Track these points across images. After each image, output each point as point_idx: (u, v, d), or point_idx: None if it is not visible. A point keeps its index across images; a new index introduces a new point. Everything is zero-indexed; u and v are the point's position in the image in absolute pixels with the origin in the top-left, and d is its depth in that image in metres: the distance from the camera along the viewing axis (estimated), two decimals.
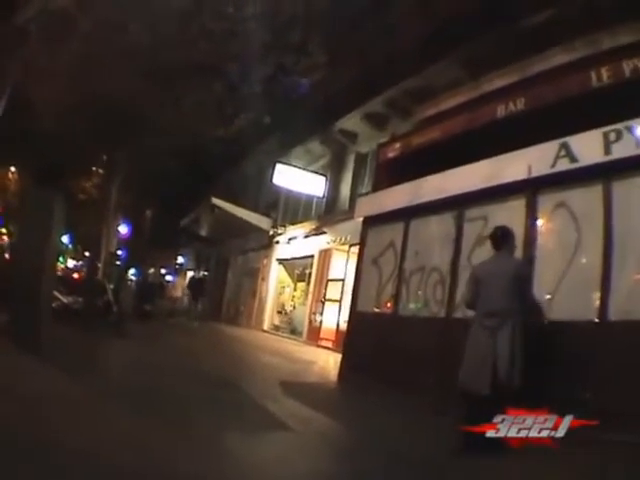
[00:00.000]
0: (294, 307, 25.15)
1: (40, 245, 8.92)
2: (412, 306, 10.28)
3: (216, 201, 27.93)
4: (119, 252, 37.76)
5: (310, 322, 21.65)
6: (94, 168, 32.27)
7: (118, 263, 36.92)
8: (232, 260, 34.14)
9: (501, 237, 6.28)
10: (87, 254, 45.26)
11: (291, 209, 26.66)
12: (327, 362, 14.63)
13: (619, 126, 6.74)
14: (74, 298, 16.34)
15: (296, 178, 23.29)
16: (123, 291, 24.59)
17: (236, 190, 31.47)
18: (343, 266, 19.41)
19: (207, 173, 32.70)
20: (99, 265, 26.09)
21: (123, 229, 37.01)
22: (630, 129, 6.63)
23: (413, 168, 10.49)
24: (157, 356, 11.75)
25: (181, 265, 48.90)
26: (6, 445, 4.02)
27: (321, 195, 22.98)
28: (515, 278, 5.87)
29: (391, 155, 11.96)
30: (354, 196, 18.72)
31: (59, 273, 23.68)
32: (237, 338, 21.16)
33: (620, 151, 6.69)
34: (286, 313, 25.77)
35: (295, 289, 25.88)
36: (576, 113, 7.32)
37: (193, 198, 36.16)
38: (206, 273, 36.88)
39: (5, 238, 42.21)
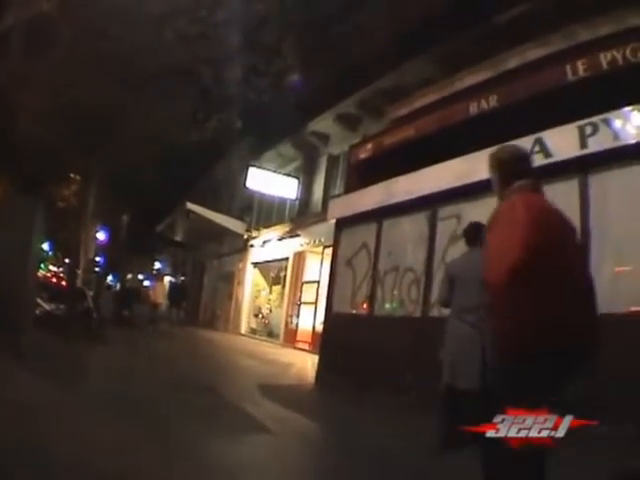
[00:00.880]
0: (270, 310, 25.10)
1: (21, 253, 8.92)
2: (387, 306, 10.27)
3: (191, 206, 27.97)
4: (97, 258, 37.41)
5: (286, 324, 21.65)
6: (72, 175, 31.94)
7: (97, 269, 36.70)
8: (208, 264, 34.13)
9: (475, 233, 6.15)
10: (67, 261, 44.83)
11: (265, 212, 26.62)
12: (304, 364, 14.58)
13: (595, 119, 6.70)
14: (56, 305, 16.35)
15: (269, 181, 23.24)
16: (102, 297, 24.37)
17: (210, 195, 31.50)
18: (318, 268, 19.37)
19: (182, 178, 32.51)
20: (78, 272, 25.86)
21: (101, 236, 36.65)
22: (607, 122, 6.57)
23: (385, 168, 10.48)
24: (137, 362, 11.75)
25: (158, 270, 48.76)
26: None
27: (294, 198, 22.95)
28: None
29: (363, 156, 11.90)
30: (327, 198, 18.68)
31: (40, 280, 23.43)
32: (215, 342, 21.22)
33: (596, 144, 6.67)
34: (263, 316, 25.71)
35: (271, 292, 25.82)
36: (551, 108, 7.27)
37: (168, 203, 35.95)
38: (182, 278, 36.60)
39: None
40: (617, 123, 6.60)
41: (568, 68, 7.42)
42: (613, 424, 4.95)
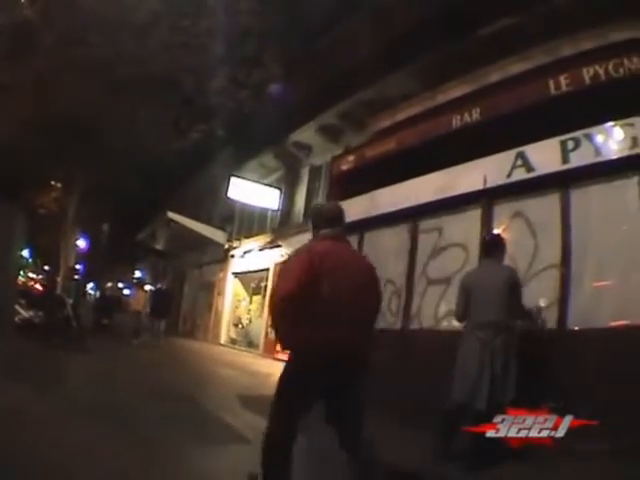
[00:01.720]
0: (250, 320, 24.92)
1: (1, 259, 8.82)
2: None
3: (172, 215, 27.80)
4: (78, 266, 37.13)
5: (266, 335, 21.31)
6: (52, 182, 31.69)
7: (77, 277, 36.43)
8: (188, 274, 33.92)
9: (491, 243, 6.12)
10: (47, 268, 44.48)
11: (246, 222, 26.44)
12: None
13: (577, 134, 6.71)
14: (35, 312, 16.32)
15: (251, 191, 23.07)
16: (82, 305, 24.07)
17: (192, 204, 31.33)
18: None
19: (163, 187, 32.39)
20: (58, 279, 25.64)
21: (81, 243, 36.38)
22: (589, 137, 6.58)
23: (367, 180, 10.45)
24: (116, 371, 11.66)
25: (139, 279, 48.48)
26: None
27: (276, 208, 22.80)
28: (508, 287, 5.66)
29: (345, 168, 11.88)
30: (308, 209, 18.60)
31: (20, 287, 23.21)
32: (195, 352, 21.15)
33: (578, 159, 6.67)
34: (242, 326, 25.52)
35: (251, 302, 25.64)
36: (533, 122, 7.27)
37: (149, 212, 35.89)
38: (160, 285, 36.16)
39: None
40: (599, 138, 6.62)
41: (551, 82, 7.43)
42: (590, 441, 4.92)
